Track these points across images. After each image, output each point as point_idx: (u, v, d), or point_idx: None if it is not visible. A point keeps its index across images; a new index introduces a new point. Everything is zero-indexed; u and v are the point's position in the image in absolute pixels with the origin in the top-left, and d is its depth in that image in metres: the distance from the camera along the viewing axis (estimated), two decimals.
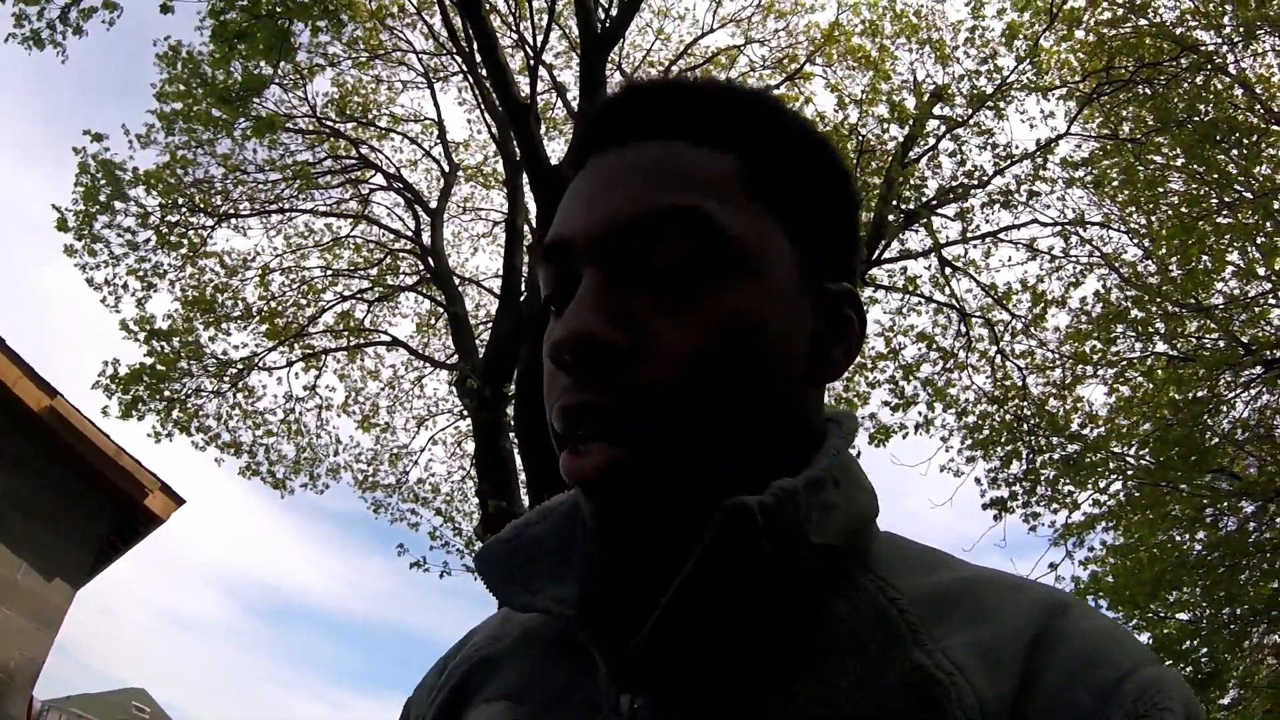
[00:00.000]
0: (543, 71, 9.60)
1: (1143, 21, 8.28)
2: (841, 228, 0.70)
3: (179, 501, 6.84)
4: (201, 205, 10.15)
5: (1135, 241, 9.33)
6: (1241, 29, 7.83)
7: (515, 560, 0.67)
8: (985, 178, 9.19)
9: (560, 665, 0.66)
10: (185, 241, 10.25)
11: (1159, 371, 9.17)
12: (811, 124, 0.72)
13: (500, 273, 12.51)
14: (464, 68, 10.27)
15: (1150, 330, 9.06)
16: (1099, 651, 0.53)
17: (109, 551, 7.07)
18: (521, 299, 8.78)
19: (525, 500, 9.06)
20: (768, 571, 0.56)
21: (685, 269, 0.60)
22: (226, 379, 10.64)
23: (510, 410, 9.20)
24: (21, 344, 5.92)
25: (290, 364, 11.01)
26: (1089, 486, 9.63)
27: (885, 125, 9.83)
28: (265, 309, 10.79)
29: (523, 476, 9.54)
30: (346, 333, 11.47)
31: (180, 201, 9.98)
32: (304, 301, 11.30)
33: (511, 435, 8.83)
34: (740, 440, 0.60)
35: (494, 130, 10.11)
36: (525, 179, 9.99)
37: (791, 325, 0.63)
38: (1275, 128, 8.05)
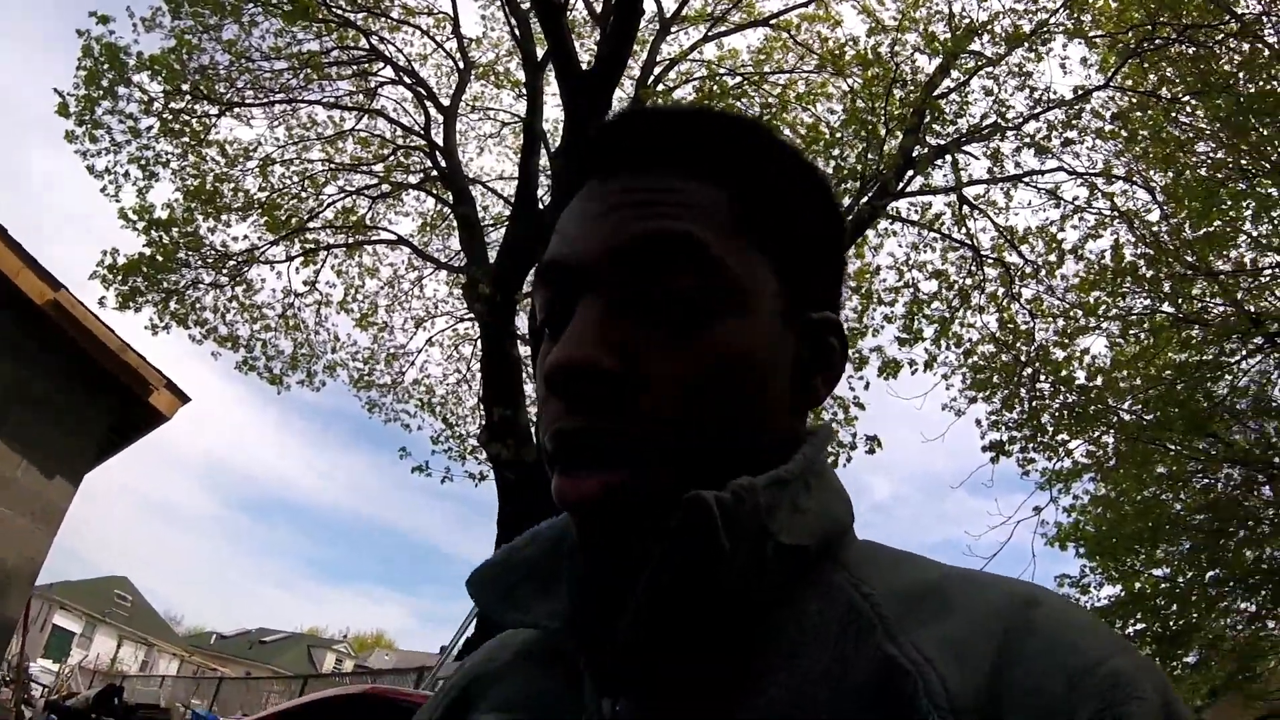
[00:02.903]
0: None
1: None
2: (826, 257, 0.72)
3: (184, 399, 6.68)
4: (205, 93, 9.77)
5: (1156, 201, 9.27)
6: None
7: (506, 581, 0.69)
8: (1018, 120, 9.04)
9: (550, 677, 0.68)
10: (188, 130, 9.93)
11: (1164, 331, 9.22)
12: (801, 152, 0.73)
13: (512, 176, 12.33)
14: None
15: (1159, 290, 9.09)
16: (1070, 641, 0.53)
17: (109, 448, 6.93)
18: (542, 206, 8.59)
19: (531, 411, 9.04)
20: (734, 567, 0.57)
21: (681, 300, 0.61)
22: (225, 271, 10.44)
23: (519, 319, 9.11)
24: (17, 233, 5.63)
25: (290, 258, 10.79)
26: (1083, 437, 9.76)
27: (914, 56, 9.61)
28: (266, 201, 10.51)
29: (529, 386, 9.52)
30: (348, 229, 11.23)
31: (184, 88, 9.61)
32: (305, 195, 11.03)
33: (520, 344, 8.75)
34: (730, 468, 0.59)
35: (515, 29, 9.74)
36: (544, 81, 9.76)
37: (776, 356, 0.65)
38: None
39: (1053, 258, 9.63)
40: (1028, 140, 9.19)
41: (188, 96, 9.81)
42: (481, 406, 11.77)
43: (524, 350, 8.96)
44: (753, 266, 0.64)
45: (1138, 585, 10.32)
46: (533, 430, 7.96)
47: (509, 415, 8.14)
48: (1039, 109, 9.06)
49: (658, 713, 0.59)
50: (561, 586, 0.67)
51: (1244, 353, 8.90)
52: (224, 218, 10.28)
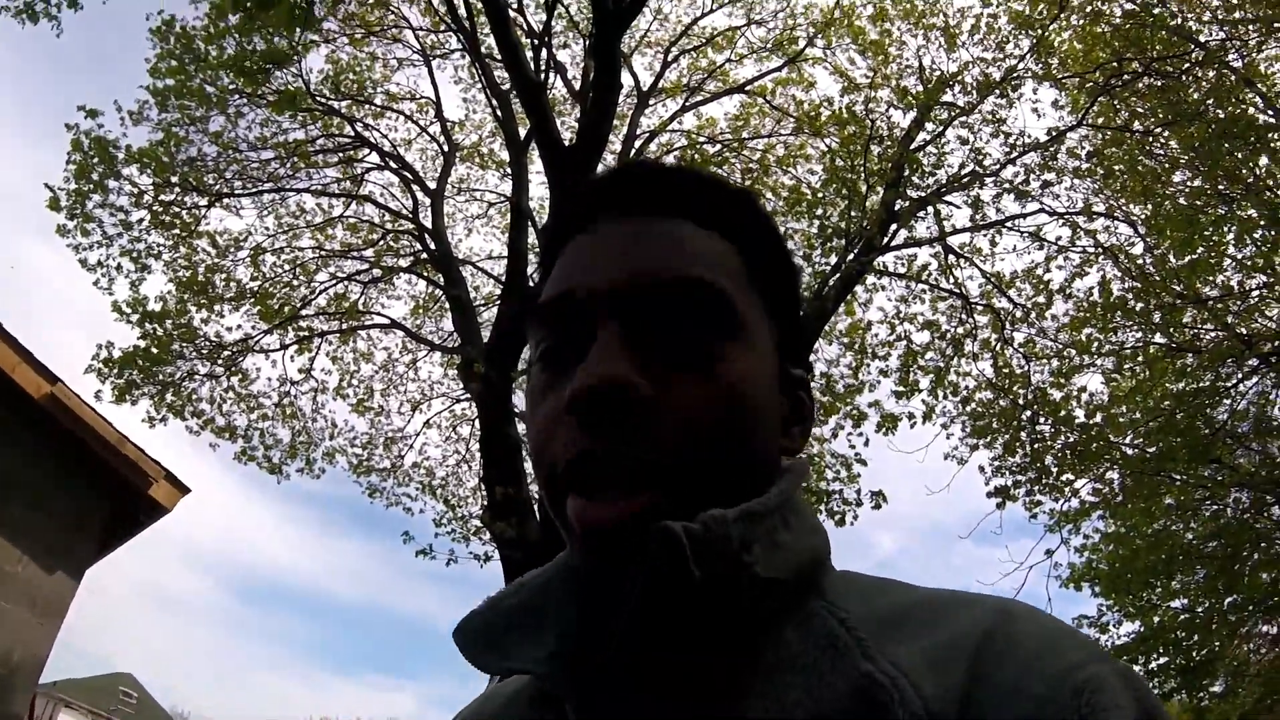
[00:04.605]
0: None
1: (1150, 17, 8.30)
2: (799, 320, 0.77)
3: (183, 490, 6.65)
4: (194, 184, 9.92)
5: (1138, 234, 9.38)
6: (1254, 27, 7.88)
7: (492, 632, 0.69)
8: (996, 166, 9.18)
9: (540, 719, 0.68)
10: (178, 221, 10.05)
11: (1159, 362, 9.25)
12: (777, 223, 0.78)
13: (497, 254, 12.43)
14: (464, 45, 10.08)
15: (1150, 322, 9.14)
16: (1047, 649, 0.54)
17: (110, 541, 6.87)
18: (530, 282, 8.65)
19: (534, 489, 8.98)
20: (709, 597, 0.58)
21: (701, 333, 0.64)
22: (220, 362, 10.47)
23: (515, 397, 9.10)
24: (11, 326, 5.67)
25: (284, 346, 10.84)
26: (1088, 475, 9.70)
27: (889, 111, 9.80)
28: (258, 290, 10.60)
29: (529, 463, 9.47)
30: (341, 315, 11.30)
31: (173, 180, 9.75)
32: (297, 283, 11.11)
33: (518, 421, 8.74)
34: (735, 495, 0.61)
35: (496, 109, 9.93)
36: (528, 159, 9.91)
37: (774, 396, 0.69)
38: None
39: (1041, 299, 9.71)
40: (1007, 186, 9.32)
41: (177, 188, 9.94)
42: (482, 486, 11.72)
43: (522, 428, 8.95)
44: (756, 312, 0.68)
45: (1156, 619, 10.19)
46: (535, 507, 7.91)
47: (511, 493, 8.07)
48: (1015, 154, 9.20)
49: None
50: (548, 631, 0.67)
51: (1240, 375, 8.92)
52: (217, 308, 10.34)
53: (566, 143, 8.43)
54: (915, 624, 0.58)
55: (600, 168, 8.75)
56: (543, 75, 8.75)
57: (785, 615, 0.62)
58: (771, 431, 0.67)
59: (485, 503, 10.64)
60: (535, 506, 7.92)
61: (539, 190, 12.66)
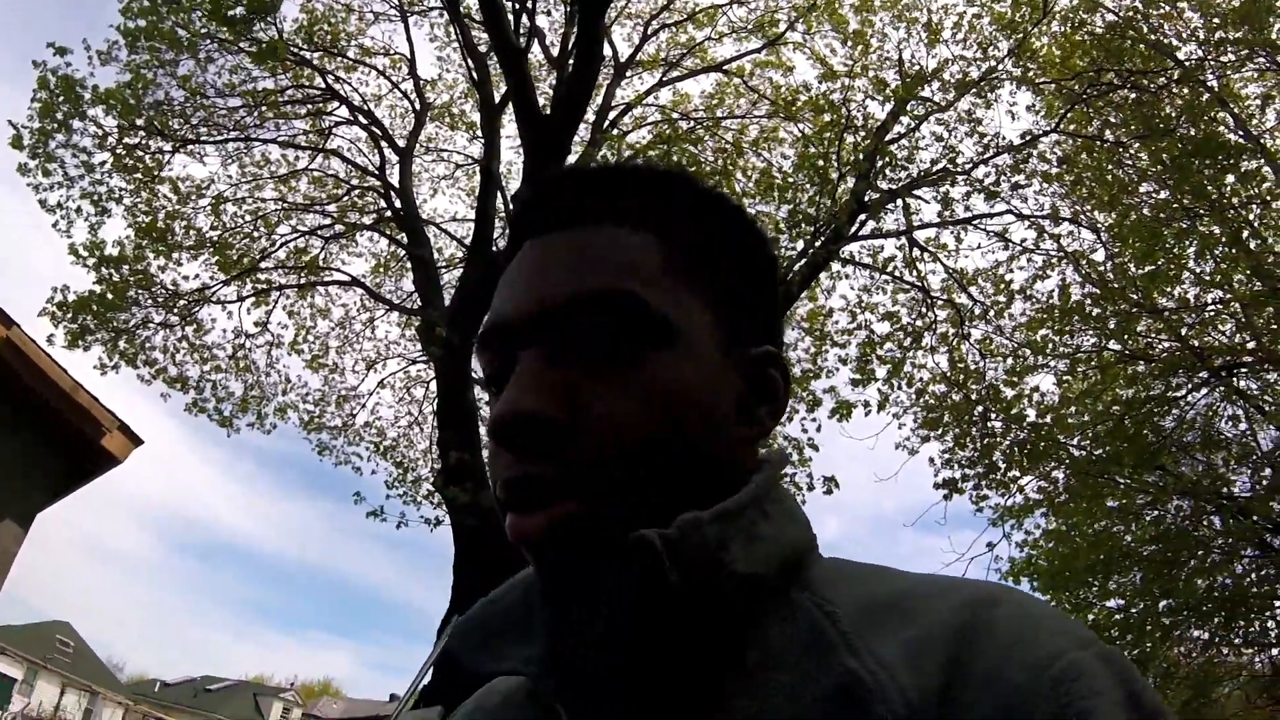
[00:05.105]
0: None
1: (1131, 30, 8.38)
2: (759, 292, 0.74)
3: (137, 442, 6.53)
4: (160, 128, 9.68)
5: (1101, 241, 9.52)
6: (1233, 49, 7.98)
7: (482, 634, 0.70)
8: (968, 165, 9.24)
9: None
10: (141, 166, 9.82)
11: (1111, 367, 9.41)
12: (727, 197, 0.76)
13: (465, 217, 12.29)
14: (443, 3, 9.91)
15: (1105, 328, 9.29)
16: (1029, 637, 0.53)
17: (60, 491, 6.74)
18: (497, 249, 8.59)
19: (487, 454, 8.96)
20: (688, 599, 0.58)
21: (614, 346, 0.64)
22: (175, 311, 10.29)
23: (475, 362, 9.05)
24: None
25: (241, 299, 10.67)
26: (1035, 473, 9.89)
27: (865, 102, 9.81)
28: (218, 240, 10.41)
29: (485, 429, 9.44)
30: (300, 269, 11.13)
31: (139, 123, 9.51)
32: (257, 234, 10.93)
33: (477, 387, 8.70)
34: (675, 498, 0.61)
35: (472, 71, 9.78)
36: (503, 124, 9.79)
37: (715, 389, 0.67)
38: (1249, 145, 8.27)
39: (1002, 298, 9.82)
40: (978, 185, 9.38)
41: (142, 132, 9.71)
42: (435, 450, 11.68)
43: (480, 394, 8.90)
44: (686, 307, 0.66)
45: (1092, 617, 10.42)
46: (489, 475, 7.90)
47: (466, 459, 8.04)
48: (988, 154, 9.26)
49: None
50: (536, 632, 0.67)
51: (1190, 387, 9.11)
52: (175, 256, 10.16)
53: (542, 110, 8.35)
54: (899, 615, 0.58)
55: (575, 138, 8.68)
56: (522, 40, 8.64)
57: (770, 610, 0.62)
58: (717, 425, 0.66)
59: (435, 466, 10.61)
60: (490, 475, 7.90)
61: (509, 155, 12.54)
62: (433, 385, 11.59)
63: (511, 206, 8.91)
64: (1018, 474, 9.81)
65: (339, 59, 10.88)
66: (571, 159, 8.30)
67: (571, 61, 8.14)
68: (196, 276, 10.53)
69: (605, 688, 0.61)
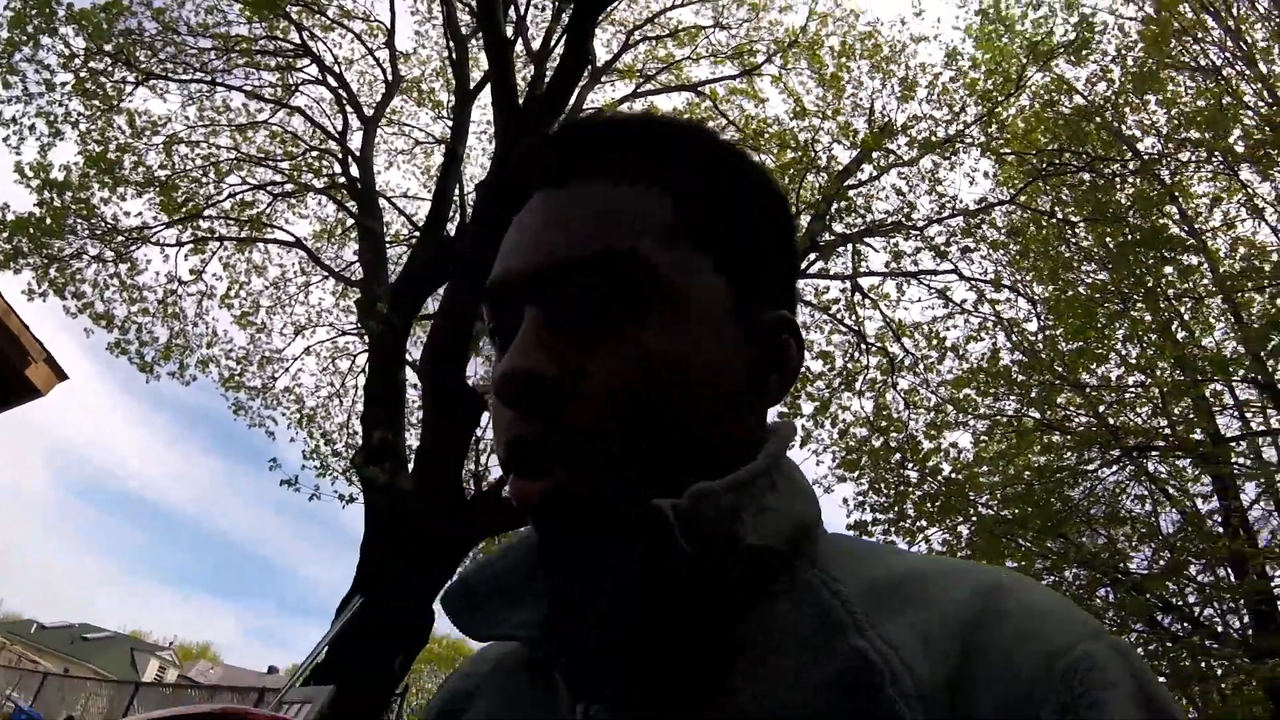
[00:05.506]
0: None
1: (1098, 116, 8.67)
2: (776, 257, 0.71)
3: (62, 376, 6.32)
4: (126, 57, 9.45)
5: (1035, 313, 9.81)
6: (1192, 149, 8.29)
7: (478, 597, 0.68)
8: (922, 221, 9.46)
9: (529, 686, 0.68)
10: (100, 93, 9.57)
11: (1028, 434, 9.68)
12: (746, 155, 0.73)
13: (417, 195, 12.18)
14: None
15: (1028, 396, 9.56)
16: (1040, 627, 0.53)
17: None
18: (451, 233, 8.53)
19: (411, 439, 8.87)
20: (698, 571, 0.57)
21: (615, 307, 0.62)
22: (112, 246, 10.03)
23: (411, 343, 8.95)
24: None
25: (180, 243, 10.44)
26: (942, 526, 10.11)
27: (832, 145, 9.99)
28: (165, 180, 10.17)
29: (418, 414, 9.36)
30: (244, 222, 10.93)
31: (107, 49, 9.27)
32: (206, 180, 10.71)
33: (409, 369, 8.63)
34: (681, 468, 0.60)
35: (451, 51, 9.73)
36: (471, 108, 9.75)
37: (722, 355, 0.64)
38: (1192, 241, 8.59)
39: (933, 353, 10.08)
40: (928, 242, 9.62)
41: (108, 58, 9.49)
42: (352, 425, 11.54)
43: (411, 376, 8.83)
44: (694, 269, 0.64)
45: None
46: (410, 457, 7.82)
47: (389, 438, 7.96)
48: (943, 214, 9.50)
49: (631, 716, 0.59)
50: (534, 596, 0.66)
51: (1100, 462, 9.39)
52: (120, 190, 9.91)
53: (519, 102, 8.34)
54: (905, 596, 0.57)
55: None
56: (510, 30, 8.62)
57: (777, 585, 0.61)
58: (724, 393, 0.64)
59: (351, 442, 10.46)
60: (411, 457, 7.82)
61: (474, 140, 12.48)
62: (359, 359, 11.49)
63: (477, 192, 8.89)
64: (925, 524, 10.04)
65: (318, 16, 10.73)
66: None
67: (559, 54, 8.14)
68: (139, 214, 10.32)
69: (607, 664, 0.60)
